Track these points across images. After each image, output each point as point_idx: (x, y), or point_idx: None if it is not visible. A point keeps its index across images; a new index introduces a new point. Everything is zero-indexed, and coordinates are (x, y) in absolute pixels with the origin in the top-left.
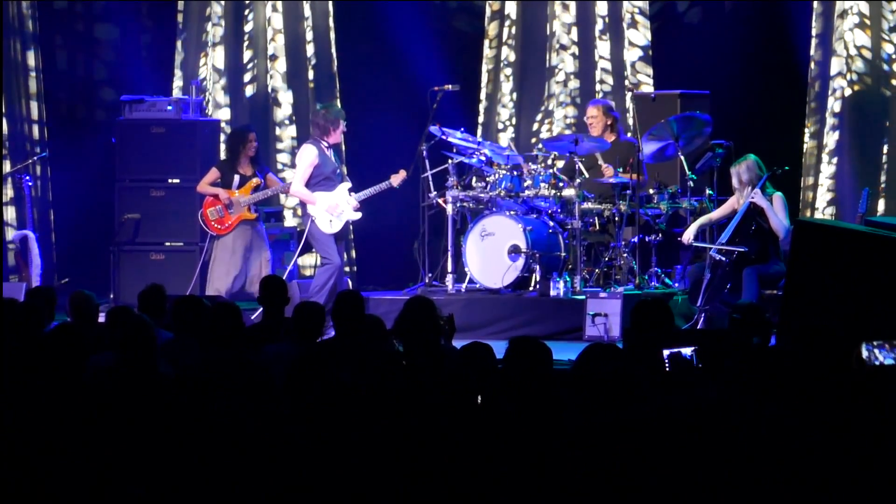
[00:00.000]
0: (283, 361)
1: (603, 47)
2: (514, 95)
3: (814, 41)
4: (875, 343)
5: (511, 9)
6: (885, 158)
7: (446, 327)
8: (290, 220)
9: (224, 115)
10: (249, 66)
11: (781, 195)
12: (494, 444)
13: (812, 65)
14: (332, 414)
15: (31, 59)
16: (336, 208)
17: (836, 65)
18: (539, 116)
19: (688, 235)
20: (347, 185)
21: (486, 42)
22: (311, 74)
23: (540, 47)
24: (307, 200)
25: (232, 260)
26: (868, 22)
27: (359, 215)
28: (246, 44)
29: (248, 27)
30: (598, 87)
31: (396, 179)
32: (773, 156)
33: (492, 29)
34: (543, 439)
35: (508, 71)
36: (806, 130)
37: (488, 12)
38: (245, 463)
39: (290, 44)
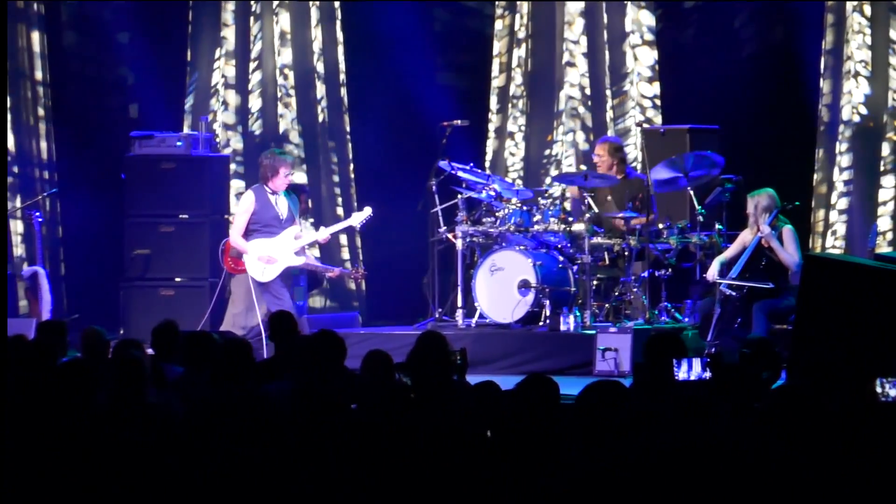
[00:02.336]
0: (282, 399)
1: (613, 82)
2: (524, 131)
3: (823, 77)
4: (888, 378)
5: (521, 51)
6: (891, 197)
7: (459, 361)
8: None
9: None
10: (257, 106)
11: (792, 228)
12: (503, 480)
13: (821, 100)
14: (340, 449)
15: (41, 95)
16: (269, 256)
17: (845, 101)
18: (548, 151)
19: (712, 272)
20: (295, 229)
21: (495, 77)
22: (320, 115)
23: (549, 82)
24: (240, 250)
25: (248, 297)
26: (877, 61)
27: (302, 260)
28: (254, 83)
29: (256, 64)
30: (608, 122)
31: (357, 218)
32: (783, 190)
33: (501, 65)
34: (550, 474)
35: (519, 106)
36: (815, 165)
37: (496, 49)
38: (251, 497)
39: (300, 84)
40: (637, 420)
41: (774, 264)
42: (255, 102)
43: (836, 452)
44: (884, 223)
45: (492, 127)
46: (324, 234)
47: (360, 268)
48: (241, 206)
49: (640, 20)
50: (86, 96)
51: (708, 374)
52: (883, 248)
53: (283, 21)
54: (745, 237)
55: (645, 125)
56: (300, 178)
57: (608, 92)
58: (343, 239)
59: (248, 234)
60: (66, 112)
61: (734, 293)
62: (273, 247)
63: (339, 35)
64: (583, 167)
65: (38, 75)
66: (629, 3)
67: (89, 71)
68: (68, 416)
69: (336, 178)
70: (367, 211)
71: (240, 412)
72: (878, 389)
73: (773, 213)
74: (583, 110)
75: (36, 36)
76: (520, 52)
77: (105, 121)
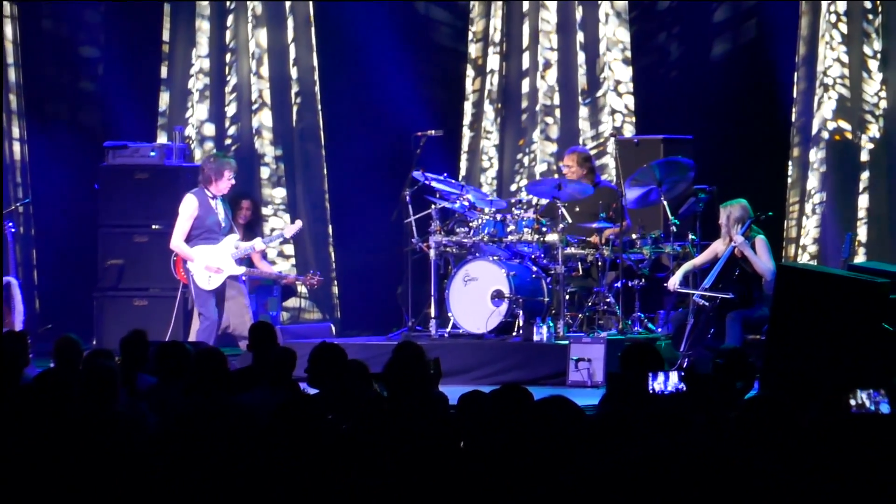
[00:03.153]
0: (257, 408)
1: (586, 92)
2: (497, 141)
3: (796, 88)
4: (862, 389)
5: (494, 62)
6: (865, 207)
7: (432, 371)
8: (275, 266)
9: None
10: (233, 116)
11: (765, 238)
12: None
13: (794, 109)
14: (318, 460)
15: (14, 104)
16: (214, 264)
17: (818, 110)
18: (522, 160)
19: (673, 282)
20: (235, 237)
21: (470, 87)
22: (295, 125)
23: (522, 91)
24: (185, 257)
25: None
26: (850, 72)
27: (242, 270)
28: (229, 96)
29: (231, 79)
30: (580, 132)
31: (289, 230)
32: (756, 200)
33: (475, 75)
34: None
35: (491, 115)
36: (789, 175)
37: (470, 59)
38: None
39: (275, 93)
40: (608, 431)
41: (747, 274)
42: (229, 110)
43: (810, 463)
44: (858, 233)
45: (465, 137)
46: (260, 244)
47: (316, 274)
48: (185, 210)
49: (615, 33)
50: (59, 105)
51: (684, 387)
52: (856, 258)
53: (259, 29)
54: (718, 247)
55: (618, 135)
56: (279, 192)
57: (581, 101)
58: (289, 249)
59: (189, 240)
60: (40, 121)
61: (707, 303)
62: (216, 255)
63: (314, 45)
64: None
65: (12, 82)
66: (603, 13)
67: (63, 80)
68: (41, 427)
69: (310, 188)
70: (298, 224)
71: (214, 422)
72: (852, 401)
73: (745, 223)
74: (555, 120)
75: (10, 46)
76: (493, 64)
77: (78, 130)
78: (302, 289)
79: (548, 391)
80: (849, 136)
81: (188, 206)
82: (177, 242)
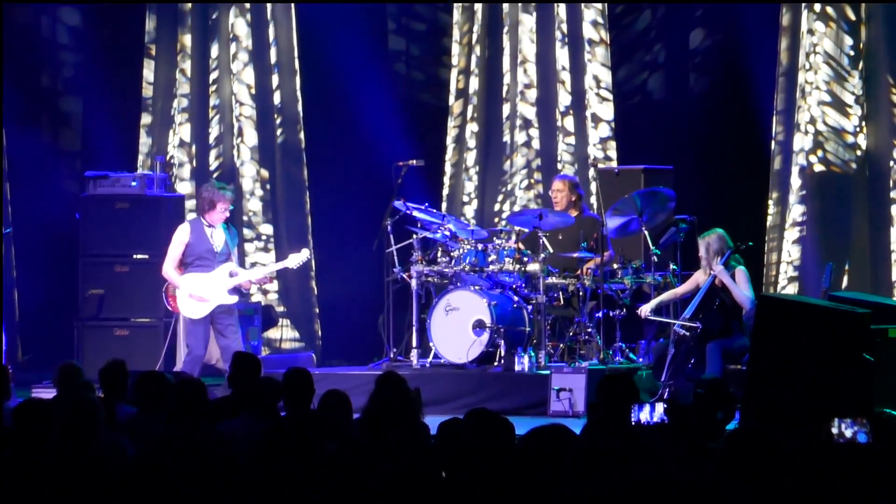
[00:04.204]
0: (239, 437)
1: (567, 122)
2: (478, 171)
3: (776, 117)
4: (843, 419)
5: (474, 85)
6: (846, 237)
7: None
8: (255, 296)
9: (189, 189)
10: (215, 141)
11: (744, 269)
12: None
13: (774, 140)
14: (304, 488)
15: None
16: (199, 293)
17: (798, 141)
18: (503, 190)
19: (645, 310)
20: (230, 266)
21: (450, 118)
22: (277, 154)
23: (502, 123)
24: (172, 284)
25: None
26: (830, 99)
27: (235, 299)
28: (212, 118)
29: (214, 100)
30: (559, 162)
31: (294, 260)
32: (737, 231)
33: (456, 106)
34: None
35: (472, 146)
36: (769, 205)
37: (453, 89)
38: None
39: (259, 117)
40: (589, 461)
41: (727, 305)
42: (212, 135)
43: (791, 494)
44: (839, 264)
45: (447, 167)
46: (258, 273)
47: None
48: (176, 237)
49: (596, 63)
50: (40, 136)
51: (667, 419)
52: (838, 288)
53: (242, 54)
54: (699, 278)
55: (599, 165)
56: (262, 222)
57: (560, 129)
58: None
59: (182, 268)
60: (20, 151)
61: (687, 333)
62: (206, 283)
63: (298, 73)
64: (535, 206)
65: None
66: (586, 54)
67: (43, 107)
68: (24, 458)
69: (293, 217)
70: (305, 253)
71: (195, 451)
72: (834, 430)
73: (725, 254)
74: (536, 148)
75: None
76: (474, 98)
77: (59, 161)
78: (283, 319)
79: (529, 421)
80: (829, 166)
81: (179, 234)
82: (166, 269)
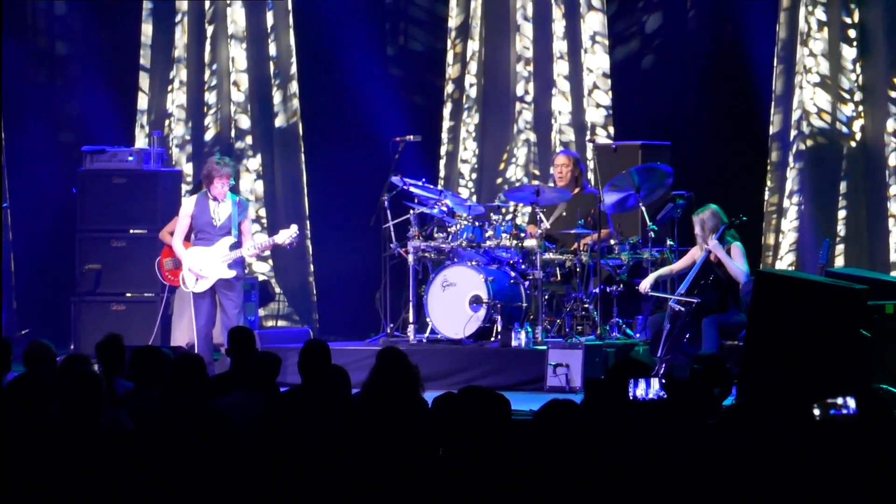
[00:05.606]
0: (237, 412)
1: (564, 98)
2: (476, 146)
3: (774, 95)
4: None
5: (473, 67)
6: (843, 214)
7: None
8: (253, 271)
9: (186, 168)
10: (212, 111)
11: (740, 245)
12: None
13: (773, 118)
14: (302, 464)
15: None
16: (197, 267)
17: (795, 119)
18: (500, 167)
19: (645, 285)
20: (230, 240)
21: (448, 90)
22: (275, 127)
23: (502, 95)
24: (177, 257)
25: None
26: (829, 82)
27: (233, 273)
28: (209, 90)
29: (211, 76)
30: (557, 137)
31: (282, 236)
32: (734, 207)
33: (454, 74)
34: (506, 492)
35: (470, 121)
36: (767, 181)
37: (449, 65)
38: None
39: (255, 95)
40: (590, 436)
41: (722, 280)
42: (208, 110)
43: (789, 469)
44: (836, 239)
45: (444, 142)
46: (250, 250)
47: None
48: (181, 210)
49: (593, 39)
50: (37, 108)
51: (664, 394)
52: (835, 264)
53: (238, 31)
54: (695, 254)
55: (597, 140)
56: (258, 192)
57: (558, 106)
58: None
59: (188, 241)
60: (17, 125)
61: (682, 308)
62: (204, 257)
63: (293, 47)
64: (536, 172)
65: None
66: (587, 35)
67: (40, 81)
68: (18, 433)
69: (289, 192)
70: (293, 229)
71: (191, 425)
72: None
73: (719, 230)
74: (534, 125)
75: None
76: (472, 69)
77: (56, 134)
78: (280, 295)
79: (525, 396)
80: (827, 141)
81: (184, 206)
82: (174, 242)
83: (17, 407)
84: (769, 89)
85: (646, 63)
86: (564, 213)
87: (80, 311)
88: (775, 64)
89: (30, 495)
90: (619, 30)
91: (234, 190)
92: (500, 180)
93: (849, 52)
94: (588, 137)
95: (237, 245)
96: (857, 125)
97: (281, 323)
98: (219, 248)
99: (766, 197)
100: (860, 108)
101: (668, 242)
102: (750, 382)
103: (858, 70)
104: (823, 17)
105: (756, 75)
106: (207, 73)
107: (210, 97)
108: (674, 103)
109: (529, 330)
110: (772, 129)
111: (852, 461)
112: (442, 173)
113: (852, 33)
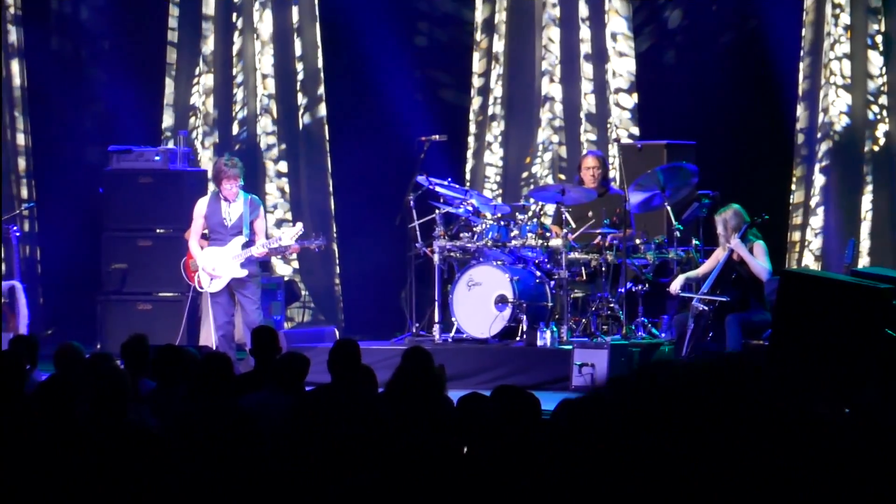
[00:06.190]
0: (263, 410)
1: (589, 99)
2: (502, 145)
3: (800, 94)
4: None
5: (500, 67)
6: (868, 214)
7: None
8: (277, 270)
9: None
10: (238, 111)
11: (763, 243)
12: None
13: (798, 117)
14: (328, 463)
15: (19, 109)
16: (210, 267)
17: (822, 114)
18: (526, 165)
19: (675, 286)
20: (242, 240)
21: (474, 90)
22: (300, 127)
23: (528, 97)
24: (192, 256)
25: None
26: (854, 85)
27: (245, 272)
28: (235, 90)
29: (237, 76)
30: (583, 136)
31: (288, 235)
32: (760, 207)
33: (479, 76)
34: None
35: (496, 121)
36: (792, 181)
37: (475, 65)
38: None
39: (281, 95)
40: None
41: (744, 278)
42: (235, 109)
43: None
44: (862, 239)
45: (471, 142)
46: (260, 249)
47: (319, 238)
48: (195, 211)
49: (618, 38)
50: (64, 110)
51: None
52: (860, 263)
53: (265, 31)
54: (719, 255)
55: (622, 140)
56: (283, 194)
57: (584, 106)
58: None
59: (204, 239)
60: (44, 126)
61: (706, 307)
62: (217, 257)
63: (319, 45)
64: (561, 176)
65: (16, 86)
66: (609, 32)
67: (68, 82)
68: (48, 434)
69: (315, 192)
70: (299, 227)
71: (219, 424)
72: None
73: (742, 229)
74: (560, 125)
75: (14, 48)
76: (499, 69)
77: (83, 135)
78: (306, 294)
79: (551, 396)
80: (852, 142)
81: (197, 207)
82: (190, 242)
83: (48, 407)
84: (793, 85)
85: (668, 59)
86: (591, 213)
87: (107, 311)
88: (801, 67)
89: (57, 494)
90: (639, 24)
91: (251, 189)
92: (526, 175)
93: (876, 58)
94: (615, 138)
95: (249, 244)
96: (882, 129)
97: (306, 321)
98: (231, 248)
99: (792, 196)
100: (884, 112)
101: (694, 242)
102: (775, 382)
103: (884, 73)
104: (848, 21)
105: (780, 72)
106: (234, 71)
107: (237, 95)
108: (697, 101)
109: (555, 329)
110: (797, 128)
111: (878, 460)
112: (468, 173)
113: (879, 39)
